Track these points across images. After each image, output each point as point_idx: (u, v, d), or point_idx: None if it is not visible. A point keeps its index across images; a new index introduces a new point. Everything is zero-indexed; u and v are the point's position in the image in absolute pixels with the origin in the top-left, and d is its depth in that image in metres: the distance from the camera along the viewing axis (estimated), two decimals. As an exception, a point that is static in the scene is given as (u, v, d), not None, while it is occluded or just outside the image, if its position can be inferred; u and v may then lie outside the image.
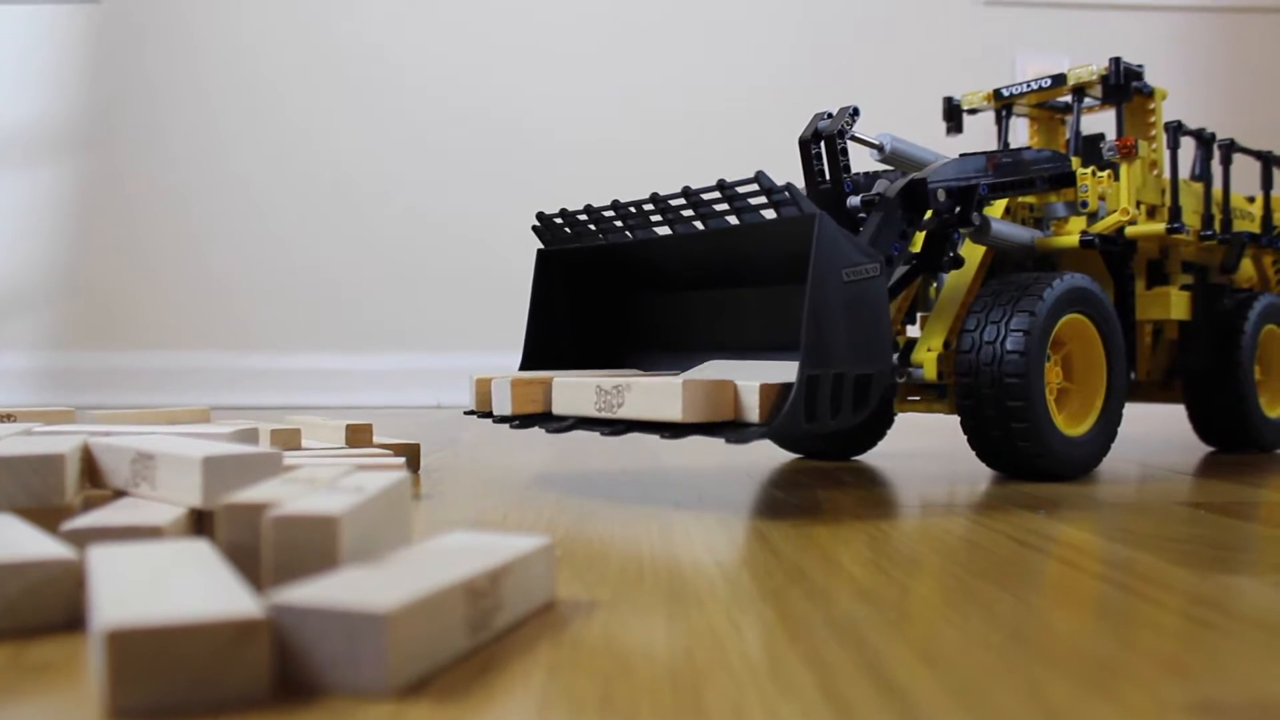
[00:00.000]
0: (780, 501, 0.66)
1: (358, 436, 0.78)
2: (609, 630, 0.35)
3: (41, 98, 2.14)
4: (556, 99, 2.16)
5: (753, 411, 0.58)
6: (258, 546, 0.36)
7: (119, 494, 0.46)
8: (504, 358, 2.13)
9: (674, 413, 0.57)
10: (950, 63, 2.18)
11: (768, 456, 0.94)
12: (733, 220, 0.68)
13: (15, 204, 2.13)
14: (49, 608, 0.33)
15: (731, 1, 2.20)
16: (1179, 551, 0.49)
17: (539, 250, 0.81)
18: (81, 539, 0.38)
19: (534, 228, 0.80)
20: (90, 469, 0.47)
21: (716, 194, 0.65)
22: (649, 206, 0.71)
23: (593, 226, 0.75)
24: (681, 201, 0.68)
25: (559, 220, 0.77)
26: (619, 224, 0.73)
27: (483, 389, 0.74)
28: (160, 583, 0.29)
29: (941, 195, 0.71)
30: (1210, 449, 1.01)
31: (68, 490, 0.43)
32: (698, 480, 0.76)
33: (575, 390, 0.65)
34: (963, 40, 2.22)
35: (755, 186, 0.62)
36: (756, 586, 0.41)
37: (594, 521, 0.57)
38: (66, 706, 0.27)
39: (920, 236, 0.78)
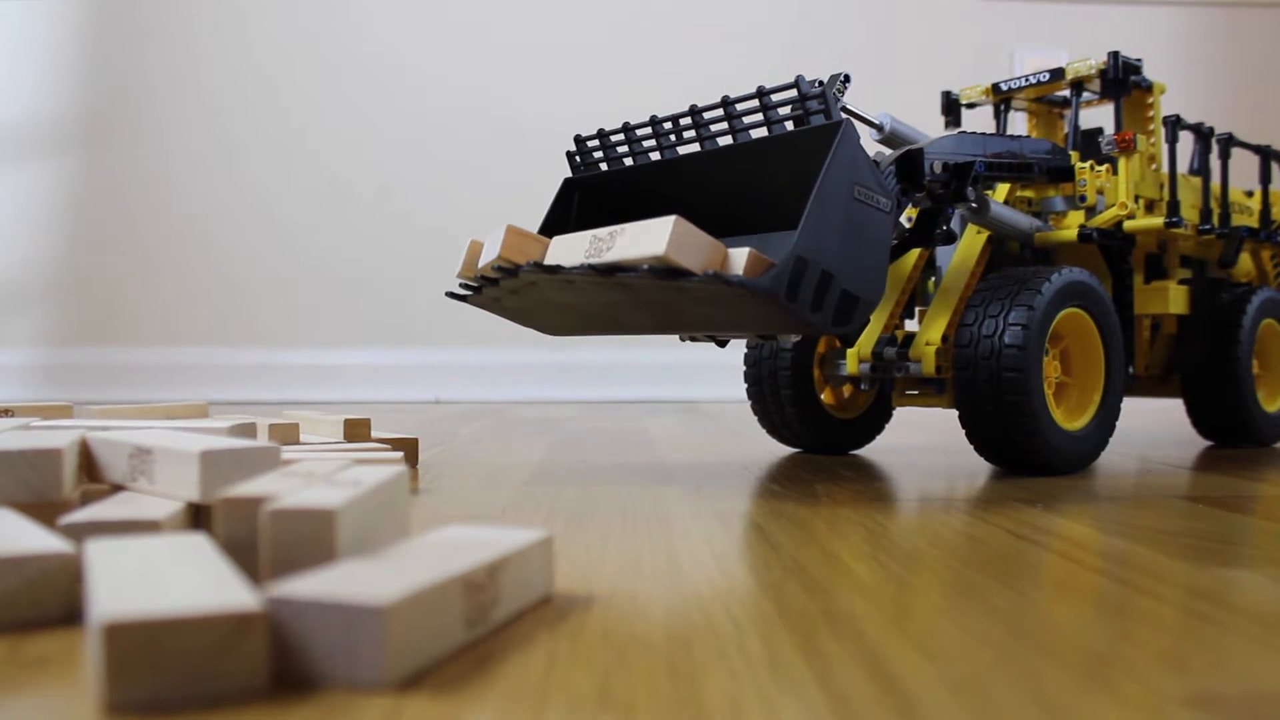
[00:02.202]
0: (779, 495, 0.66)
1: (356, 431, 0.78)
2: (607, 624, 0.35)
3: (39, 92, 2.14)
4: (555, 97, 2.15)
5: (737, 272, 0.57)
6: (255, 540, 0.36)
7: (117, 489, 0.46)
8: (502, 354, 2.13)
9: (658, 247, 0.56)
10: (949, 57, 2.18)
11: (766, 452, 0.94)
12: (761, 133, 0.68)
13: (13, 200, 2.13)
14: (47, 602, 0.33)
15: (730, -3, 2.20)
16: (1177, 545, 0.49)
17: (565, 179, 0.81)
18: (79, 533, 0.38)
19: (568, 153, 0.79)
20: (88, 464, 0.47)
21: (754, 101, 0.65)
22: (686, 120, 0.72)
23: (623, 148, 0.75)
24: (719, 113, 0.69)
25: (592, 142, 0.77)
26: (651, 142, 0.74)
27: (475, 249, 0.72)
28: (158, 577, 0.29)
29: (938, 167, 0.71)
30: (1208, 443, 1.01)
31: (65, 485, 0.43)
32: (696, 474, 0.76)
33: (570, 244, 0.64)
34: (962, 34, 2.22)
35: (791, 95, 0.63)
36: (754, 580, 0.41)
37: (592, 515, 0.57)
38: (64, 700, 0.27)
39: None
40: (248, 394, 2.11)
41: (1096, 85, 0.90)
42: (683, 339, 0.79)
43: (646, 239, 0.58)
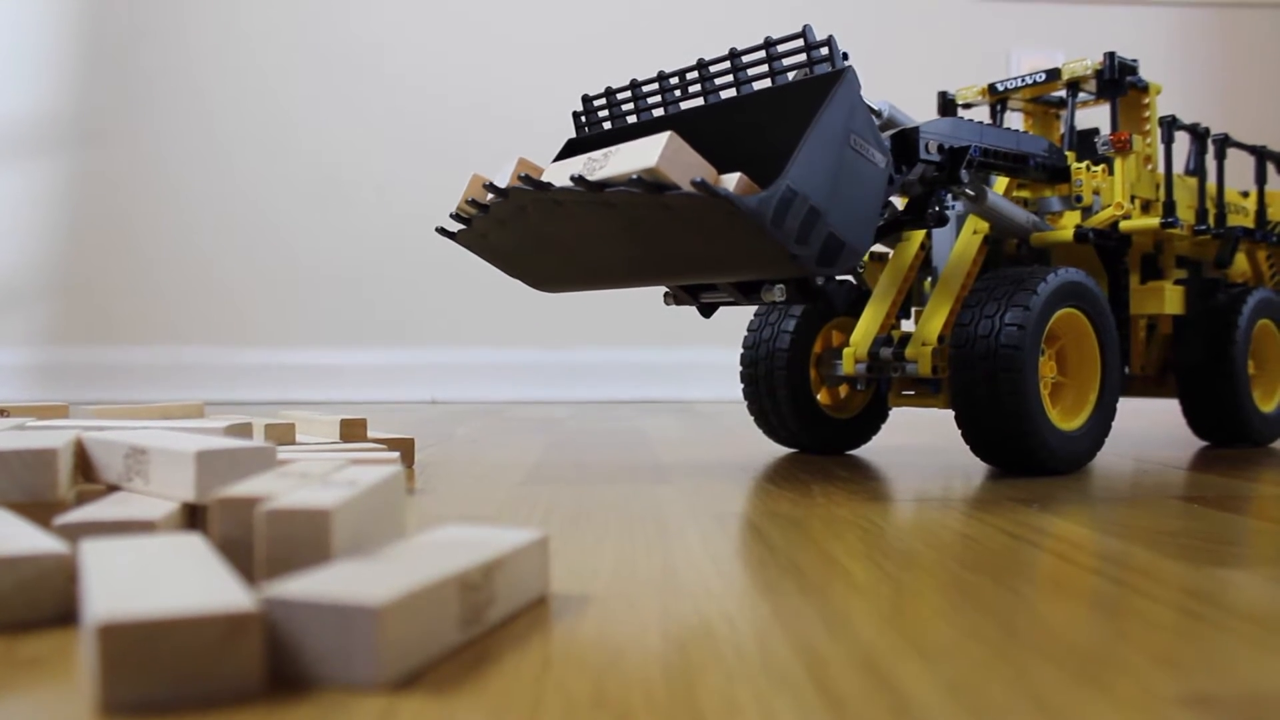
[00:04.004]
0: (774, 495, 0.66)
1: (352, 431, 0.78)
2: (602, 624, 0.35)
3: (35, 90, 2.14)
4: (555, 95, 2.15)
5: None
6: (251, 540, 0.36)
7: (112, 489, 0.46)
8: (499, 354, 2.13)
9: (650, 160, 0.56)
10: (945, 57, 2.18)
11: (763, 451, 0.94)
12: (767, 85, 0.68)
13: (9, 198, 2.12)
14: (41, 602, 0.33)
15: (727, -4, 2.20)
16: (1173, 545, 0.49)
17: (568, 139, 0.80)
18: (74, 533, 0.38)
19: (574, 113, 0.79)
20: (83, 464, 0.47)
21: (761, 53, 0.66)
22: (693, 75, 0.72)
23: (629, 106, 0.75)
24: (725, 66, 0.69)
25: (599, 102, 0.77)
26: (657, 99, 0.74)
27: (476, 183, 0.72)
28: (153, 577, 0.29)
29: (933, 148, 0.71)
30: (1204, 443, 1.01)
31: (61, 485, 0.43)
32: (692, 474, 0.76)
33: (567, 167, 0.64)
34: (958, 35, 2.22)
35: (797, 44, 0.63)
36: (750, 580, 0.41)
37: (588, 516, 0.57)
38: (58, 701, 0.27)
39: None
40: (244, 394, 2.11)
41: (1093, 86, 0.90)
42: (668, 300, 0.79)
43: (639, 154, 0.58)
